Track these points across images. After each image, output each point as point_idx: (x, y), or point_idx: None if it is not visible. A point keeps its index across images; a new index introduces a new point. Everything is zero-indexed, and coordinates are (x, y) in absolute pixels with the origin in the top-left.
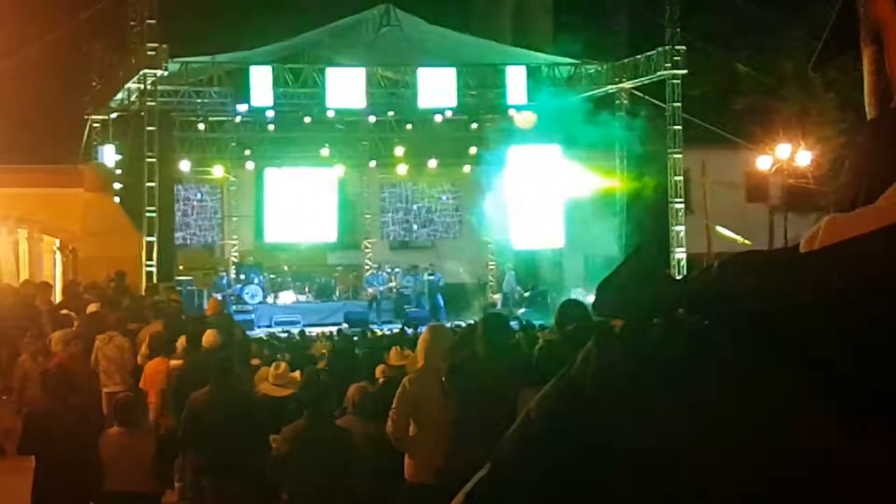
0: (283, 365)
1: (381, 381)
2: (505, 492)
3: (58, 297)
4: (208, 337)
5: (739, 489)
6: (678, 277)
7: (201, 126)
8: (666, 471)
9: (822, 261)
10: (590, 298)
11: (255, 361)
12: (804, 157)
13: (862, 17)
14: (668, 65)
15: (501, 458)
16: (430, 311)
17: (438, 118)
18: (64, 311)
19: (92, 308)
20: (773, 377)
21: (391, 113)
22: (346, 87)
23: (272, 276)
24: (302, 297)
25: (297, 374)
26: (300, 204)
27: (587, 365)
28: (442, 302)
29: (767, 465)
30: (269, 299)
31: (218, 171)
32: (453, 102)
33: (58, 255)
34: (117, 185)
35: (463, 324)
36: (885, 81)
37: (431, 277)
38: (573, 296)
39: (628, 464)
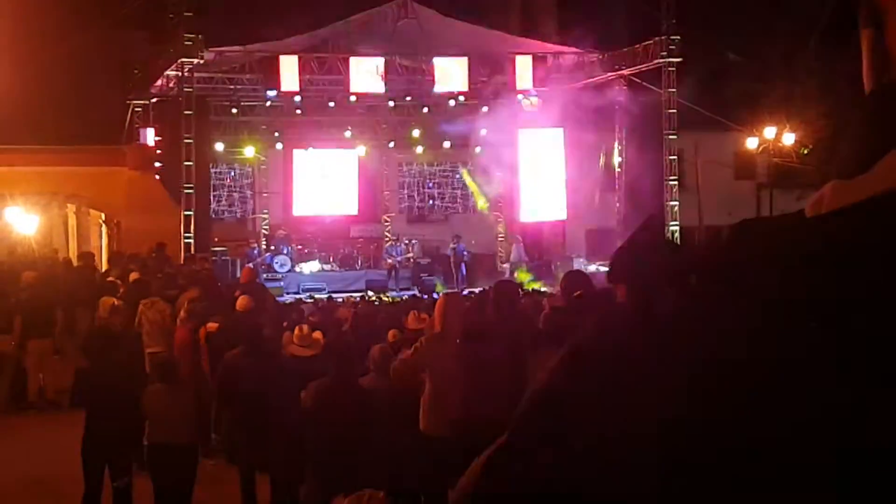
0: (305, 327)
1: (392, 343)
2: (521, 459)
3: (103, 266)
4: (242, 301)
5: (745, 444)
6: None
7: (234, 110)
8: (679, 431)
9: (830, 223)
10: (590, 268)
11: (284, 324)
12: (789, 138)
13: (862, 2)
14: (664, 53)
15: (518, 424)
16: (456, 279)
17: (452, 102)
18: (110, 279)
19: (134, 276)
20: (789, 335)
21: (408, 98)
22: (367, 75)
23: (299, 246)
24: (327, 267)
25: (318, 334)
26: (325, 181)
27: (604, 332)
28: (465, 271)
29: (780, 422)
30: (297, 268)
31: (249, 151)
32: (465, 88)
33: (103, 228)
34: (157, 164)
35: (476, 290)
36: (883, 59)
37: (455, 247)
38: (575, 265)
39: (642, 425)
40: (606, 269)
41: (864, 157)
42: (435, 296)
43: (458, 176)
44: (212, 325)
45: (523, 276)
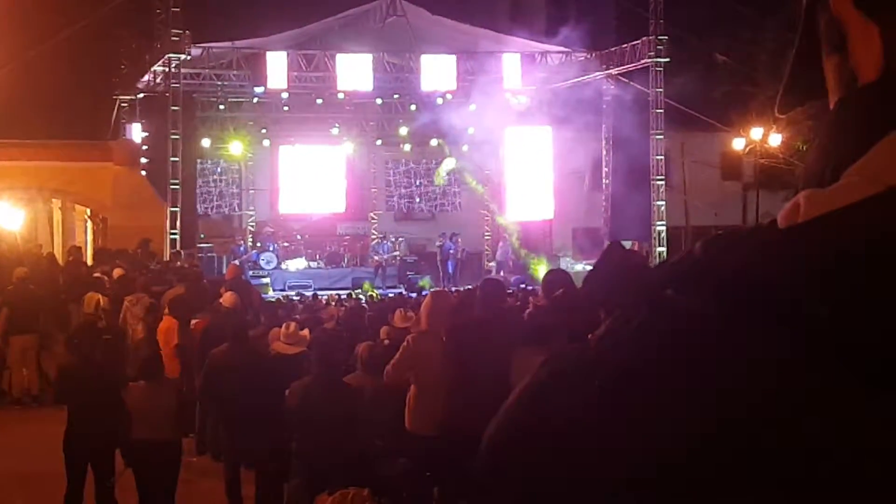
0: (292, 325)
1: (385, 342)
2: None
3: (89, 261)
4: (228, 298)
5: (735, 461)
6: (656, 263)
7: (221, 106)
8: (658, 448)
9: (808, 233)
10: (577, 267)
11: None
12: (775, 139)
13: (823, 31)
14: (652, 53)
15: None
16: (443, 277)
17: (440, 100)
18: (96, 274)
19: (118, 272)
20: (769, 347)
21: (396, 95)
22: (354, 72)
23: (286, 244)
24: (313, 264)
25: (306, 332)
26: (312, 178)
27: (583, 355)
28: (451, 268)
29: (766, 434)
30: (283, 265)
31: (236, 147)
32: (453, 86)
33: (89, 224)
34: (144, 160)
35: (461, 289)
36: (849, 75)
37: (441, 244)
38: (562, 264)
39: (625, 447)
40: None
41: (832, 165)
42: (424, 293)
43: (444, 174)
44: (198, 322)
45: (537, 264)
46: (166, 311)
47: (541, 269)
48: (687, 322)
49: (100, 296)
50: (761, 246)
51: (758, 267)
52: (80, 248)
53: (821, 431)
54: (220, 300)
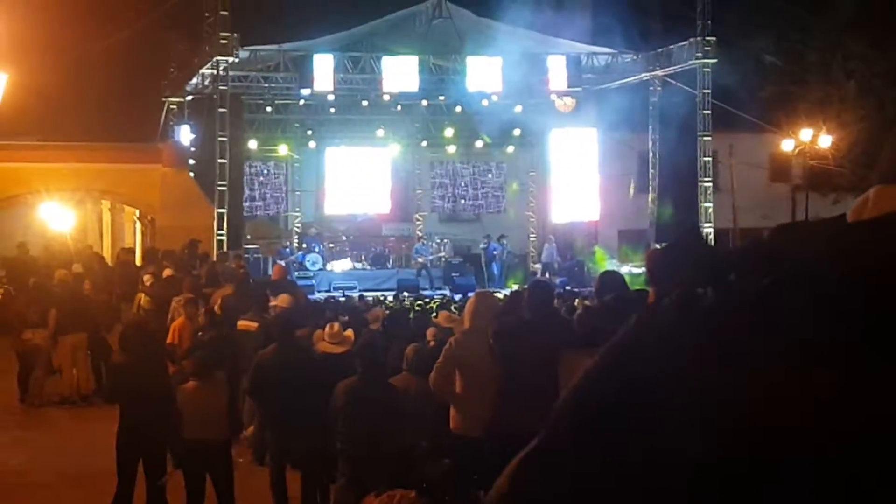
0: (336, 325)
1: (431, 343)
2: (560, 459)
3: (138, 261)
4: (283, 299)
5: (792, 447)
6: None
7: (268, 108)
8: (720, 431)
9: (874, 228)
10: (623, 269)
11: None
12: (825, 141)
13: None
14: (699, 54)
15: (552, 427)
16: (487, 278)
17: (485, 102)
18: (147, 275)
19: (167, 273)
20: (831, 338)
21: (442, 97)
22: (400, 74)
23: (331, 245)
24: (358, 265)
25: (350, 332)
26: (357, 179)
27: (644, 331)
28: (496, 270)
29: (825, 426)
30: (328, 266)
31: (283, 149)
32: (499, 88)
33: (137, 224)
34: (192, 162)
35: (506, 291)
36: None
37: (486, 246)
38: (609, 267)
39: (683, 427)
40: (643, 269)
41: None
42: (469, 295)
43: (489, 175)
44: (244, 323)
45: (602, 257)
46: (218, 310)
47: (604, 264)
48: (748, 307)
49: (149, 297)
50: (827, 237)
51: (822, 257)
52: (131, 249)
53: (879, 428)
54: (275, 301)
